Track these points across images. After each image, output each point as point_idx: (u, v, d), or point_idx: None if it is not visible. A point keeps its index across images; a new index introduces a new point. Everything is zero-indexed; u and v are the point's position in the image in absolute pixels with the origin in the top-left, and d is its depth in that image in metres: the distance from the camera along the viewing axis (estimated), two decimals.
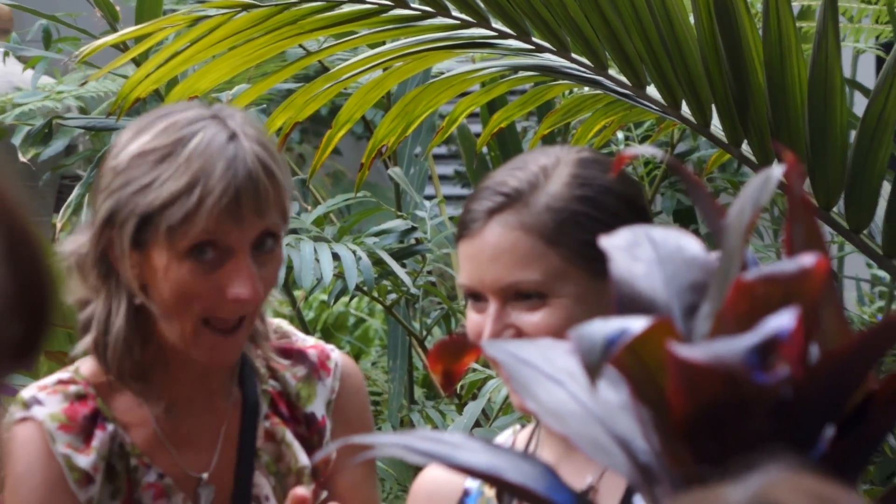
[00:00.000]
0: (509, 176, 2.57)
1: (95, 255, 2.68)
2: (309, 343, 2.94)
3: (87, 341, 2.75)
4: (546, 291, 2.52)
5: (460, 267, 2.62)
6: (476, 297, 2.57)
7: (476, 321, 2.56)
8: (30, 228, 1.11)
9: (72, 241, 2.73)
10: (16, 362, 1.11)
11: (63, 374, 2.75)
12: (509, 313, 2.53)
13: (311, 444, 2.84)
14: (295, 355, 2.89)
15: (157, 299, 2.68)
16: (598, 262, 2.53)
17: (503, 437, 2.74)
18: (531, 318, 2.52)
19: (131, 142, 2.66)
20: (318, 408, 2.88)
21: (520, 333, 2.51)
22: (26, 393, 2.72)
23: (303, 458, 2.83)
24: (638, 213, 2.56)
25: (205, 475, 2.79)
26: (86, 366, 2.78)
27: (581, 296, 2.52)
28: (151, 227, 2.62)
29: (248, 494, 2.79)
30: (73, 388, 2.70)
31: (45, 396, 2.70)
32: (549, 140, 3.76)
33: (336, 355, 2.93)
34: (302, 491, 2.63)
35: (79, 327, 2.78)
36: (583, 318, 2.50)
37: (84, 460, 2.65)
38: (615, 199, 2.54)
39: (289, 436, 2.84)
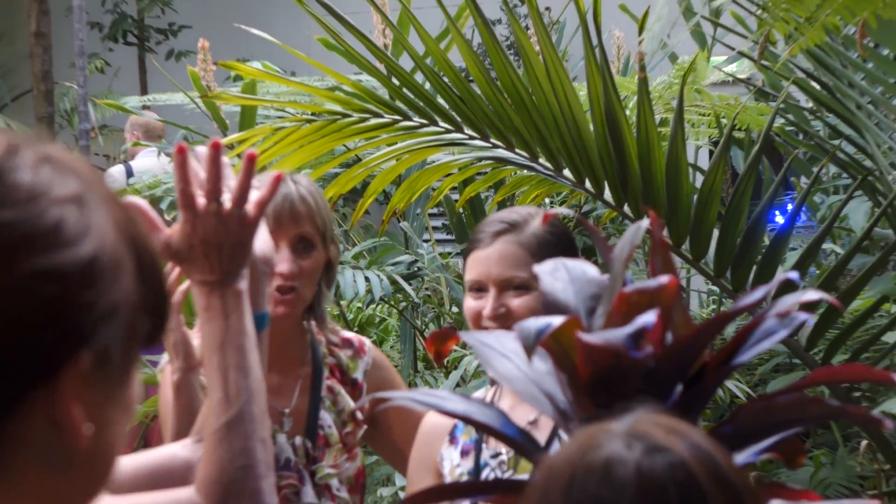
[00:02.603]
0: (507, 216, 2.67)
1: None
2: (352, 335, 2.98)
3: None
4: (529, 285, 2.57)
5: (469, 269, 2.66)
6: (479, 288, 2.62)
7: (474, 306, 2.62)
8: (153, 252, 1.09)
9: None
10: (146, 346, 1.09)
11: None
12: (503, 297, 2.59)
13: (353, 397, 2.87)
14: (344, 342, 2.93)
15: None
16: None
17: (480, 392, 2.76)
18: (518, 301, 2.59)
19: None
20: (358, 375, 2.91)
21: (508, 311, 2.58)
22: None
23: (350, 404, 2.86)
24: (572, 248, 2.66)
25: (287, 410, 2.81)
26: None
27: None
28: None
29: (315, 424, 2.81)
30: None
31: None
32: (502, 204, 3.75)
33: (368, 343, 2.98)
34: None
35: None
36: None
37: None
38: (566, 238, 2.64)
39: (342, 389, 2.87)
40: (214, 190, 1.79)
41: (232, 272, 1.80)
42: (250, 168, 1.81)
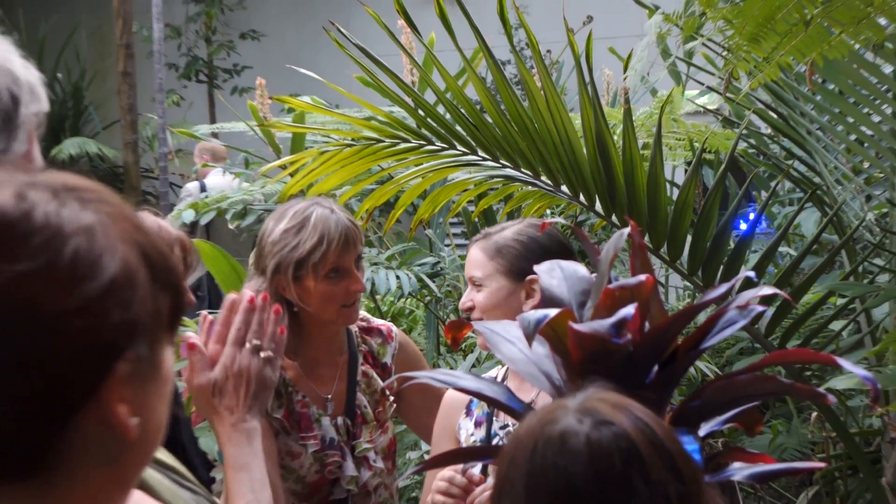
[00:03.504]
0: (489, 228, 2.69)
1: (271, 290, 2.69)
2: (379, 322, 2.95)
3: None
4: (483, 283, 2.58)
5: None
6: (468, 284, 2.66)
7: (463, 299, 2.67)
8: (163, 253, 1.04)
9: (252, 285, 2.72)
10: (171, 328, 1.05)
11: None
12: (472, 292, 2.62)
13: (384, 379, 2.86)
14: (374, 330, 2.91)
15: (311, 305, 2.69)
16: (514, 274, 2.59)
17: (493, 372, 2.76)
18: (477, 295, 2.61)
19: (276, 226, 2.68)
20: (388, 359, 2.89)
21: (473, 304, 2.62)
22: None
23: (379, 385, 2.84)
24: (549, 255, 2.55)
25: (329, 395, 2.80)
26: None
27: (499, 289, 2.59)
28: (303, 267, 2.64)
29: (354, 405, 2.80)
30: None
31: None
32: (511, 215, 3.74)
33: (395, 329, 2.96)
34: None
35: None
36: (498, 301, 2.60)
37: None
38: (536, 246, 2.61)
39: (374, 373, 2.85)
40: (258, 334, 1.96)
41: (253, 407, 1.94)
42: (278, 321, 1.99)
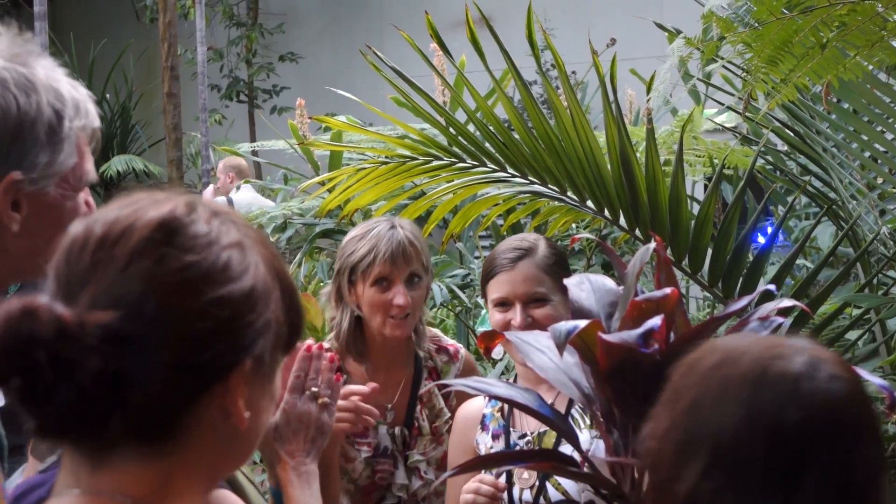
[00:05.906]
0: (519, 244, 2.67)
1: (334, 292, 2.81)
2: (448, 342, 2.97)
3: (332, 335, 2.85)
4: (546, 298, 2.56)
5: (494, 290, 2.63)
6: (504, 304, 2.60)
7: (501, 319, 2.60)
8: (291, 281, 1.16)
9: (325, 293, 2.90)
10: (287, 348, 1.15)
11: (325, 343, 2.80)
12: (528, 309, 2.58)
13: (444, 397, 2.88)
14: (443, 349, 2.92)
15: (363, 310, 2.79)
16: (564, 288, 2.57)
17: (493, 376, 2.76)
18: (540, 312, 2.58)
19: (350, 235, 2.88)
20: (451, 378, 2.89)
21: (534, 321, 2.55)
22: None
23: (440, 403, 2.87)
24: (567, 265, 2.70)
25: (389, 405, 2.81)
26: (330, 344, 2.83)
27: (558, 302, 2.56)
28: (355, 272, 2.76)
29: (412, 417, 2.82)
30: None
31: None
32: (538, 229, 3.73)
33: (462, 351, 2.98)
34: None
35: (329, 328, 2.93)
36: (559, 313, 2.57)
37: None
38: (563, 257, 2.68)
39: (436, 390, 2.86)
40: (315, 381, 2.05)
41: (311, 452, 2.01)
42: (332, 368, 2.07)
